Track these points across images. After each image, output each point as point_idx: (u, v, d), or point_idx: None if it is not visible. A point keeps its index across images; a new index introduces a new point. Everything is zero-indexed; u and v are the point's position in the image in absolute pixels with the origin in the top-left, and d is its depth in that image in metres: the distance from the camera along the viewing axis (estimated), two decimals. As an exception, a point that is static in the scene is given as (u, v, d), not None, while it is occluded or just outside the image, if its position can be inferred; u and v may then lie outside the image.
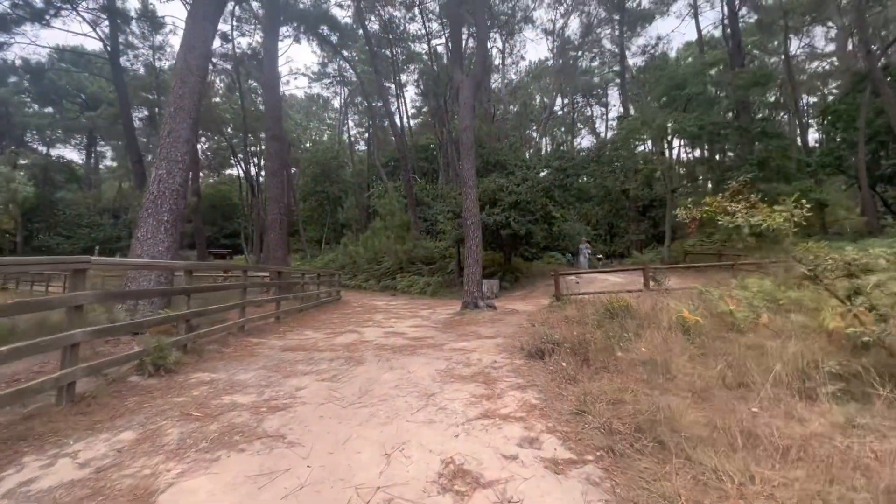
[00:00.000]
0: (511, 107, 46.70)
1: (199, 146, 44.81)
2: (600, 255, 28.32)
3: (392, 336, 7.43)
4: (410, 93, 49.69)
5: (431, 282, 19.83)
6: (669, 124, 15.96)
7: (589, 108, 50.35)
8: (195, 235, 27.10)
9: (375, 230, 24.14)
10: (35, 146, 47.55)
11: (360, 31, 28.53)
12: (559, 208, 19.80)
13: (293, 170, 50.10)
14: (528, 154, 22.98)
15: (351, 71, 38.35)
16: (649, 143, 21.25)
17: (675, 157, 20.06)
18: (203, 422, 3.45)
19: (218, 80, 40.20)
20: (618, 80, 44.41)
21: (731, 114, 19.22)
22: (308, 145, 46.50)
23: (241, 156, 42.22)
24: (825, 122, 20.29)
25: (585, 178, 23.20)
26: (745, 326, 5.75)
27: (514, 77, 46.91)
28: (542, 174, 18.77)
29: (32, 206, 38.55)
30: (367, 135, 45.73)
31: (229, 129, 40.74)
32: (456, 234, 18.21)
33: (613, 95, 48.50)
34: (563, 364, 4.80)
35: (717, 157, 22.69)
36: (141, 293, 6.11)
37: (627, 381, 4.10)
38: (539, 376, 4.60)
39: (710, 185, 27.20)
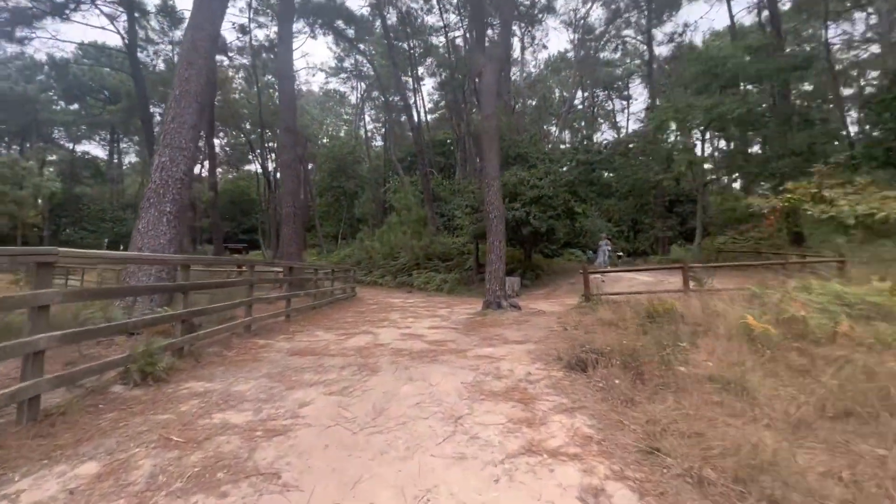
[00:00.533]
0: (530, 101, 45.61)
1: (217, 141, 45.01)
2: (620, 253, 27.20)
3: (409, 339, 6.76)
4: (427, 86, 49.08)
5: (448, 279, 19.15)
6: (707, 111, 14.82)
7: (610, 102, 48.91)
8: (212, 230, 26.94)
9: (391, 225, 23.56)
10: (62, 142, 48.44)
11: (377, 23, 27.93)
12: (581, 203, 18.89)
13: (310, 165, 50.03)
14: (548, 147, 22.04)
15: (367, 65, 37.82)
16: (676, 135, 20.09)
17: (704, 149, 18.81)
18: (184, 450, 2.82)
19: (237, 77, 40.17)
20: (641, 71, 43.03)
21: (768, 102, 17.95)
22: (325, 140, 46.20)
23: (258, 151, 42.17)
24: (869, 112, 18.80)
25: (610, 174, 22.15)
26: (821, 336, 4.90)
27: (532, 70, 45.83)
28: (564, 168, 17.87)
29: (59, 201, 39.18)
30: (383, 130, 45.20)
31: (247, 125, 40.69)
32: (474, 229, 17.46)
33: (636, 89, 47.02)
34: (615, 380, 4.04)
35: (750, 149, 21.32)
36: (126, 290, 5.55)
37: (698, 405, 3.33)
38: (586, 395, 3.86)
39: (738, 181, 25.76)
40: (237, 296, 6.79)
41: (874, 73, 30.95)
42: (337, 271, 14.16)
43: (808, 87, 23.07)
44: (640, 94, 54.74)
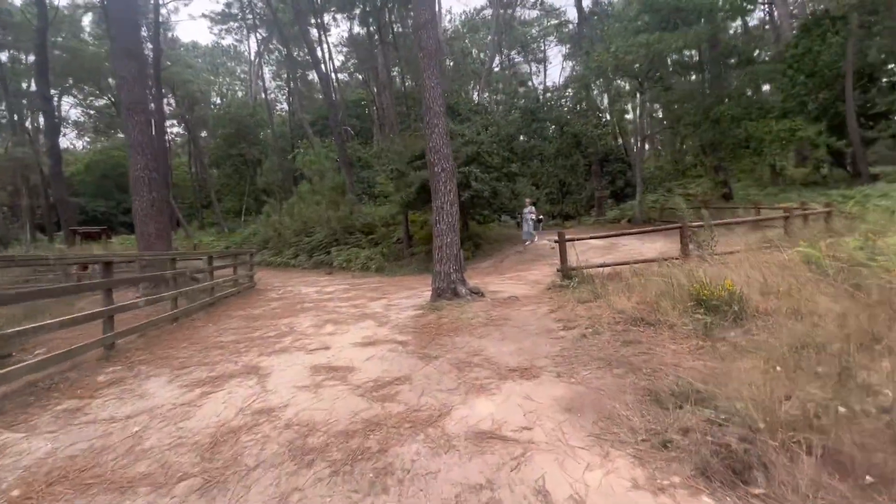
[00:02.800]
0: (448, 61, 42.06)
1: (71, 101, 35.71)
2: (542, 217, 25.66)
3: (325, 387, 3.61)
4: (334, 36, 43.11)
5: (375, 255, 15.88)
6: (648, 46, 12.93)
7: (527, 66, 46.98)
8: (59, 210, 20.47)
9: (302, 195, 19.41)
10: None
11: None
12: (518, 163, 16.47)
13: (203, 133, 42.18)
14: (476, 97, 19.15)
15: (263, 10, 31.40)
16: (613, 84, 18.30)
17: (643, 102, 17.22)
18: None
19: (85, 18, 31.40)
20: (558, 34, 41.35)
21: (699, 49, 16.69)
22: (218, 101, 38.83)
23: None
24: (785, 66, 18.38)
25: (551, 125, 19.84)
26: None
27: (448, 26, 42.05)
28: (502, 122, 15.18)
29: None
30: (287, 89, 38.90)
31: (110, 80, 32.34)
32: (402, 196, 14.28)
33: (552, 51, 45.56)
34: None
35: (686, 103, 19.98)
36: None
37: None
38: None
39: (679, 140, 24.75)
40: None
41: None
42: (223, 257, 10.27)
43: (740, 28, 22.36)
44: (555, 57, 53.42)
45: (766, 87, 19.40)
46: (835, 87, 17.83)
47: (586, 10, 23.18)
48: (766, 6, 27.40)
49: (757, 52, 15.09)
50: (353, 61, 43.31)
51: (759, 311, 4.14)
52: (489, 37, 40.35)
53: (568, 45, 41.99)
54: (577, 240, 7.46)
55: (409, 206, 15.03)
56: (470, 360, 3.95)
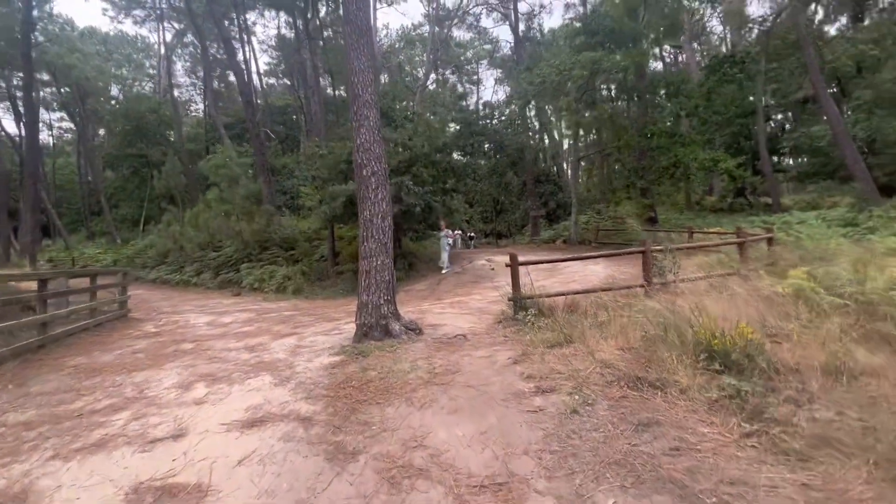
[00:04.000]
0: (383, 76, 40.72)
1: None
2: (472, 235, 24.98)
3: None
4: (263, 35, 39.94)
5: (293, 274, 13.73)
6: (593, 63, 12.71)
7: (461, 86, 47.18)
8: None
9: (209, 203, 16.60)
10: None
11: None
12: (454, 179, 15.38)
13: (101, 132, 36.38)
14: (412, 107, 17.91)
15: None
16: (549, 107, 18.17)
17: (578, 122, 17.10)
18: None
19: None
20: (490, 58, 41.99)
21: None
22: (119, 94, 33.71)
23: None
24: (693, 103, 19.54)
25: (483, 140, 19.12)
26: None
27: (385, 40, 40.91)
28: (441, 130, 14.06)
29: None
30: (203, 87, 34.92)
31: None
32: (327, 209, 12.45)
33: (485, 76, 46.28)
34: None
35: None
36: None
37: None
38: None
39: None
40: None
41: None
42: (79, 277, 7.73)
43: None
44: (488, 80, 55.42)
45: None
46: (737, 124, 19.28)
47: (521, 33, 23.26)
48: (675, 51, 29.82)
49: (682, 84, 15.61)
50: (282, 67, 40.43)
51: (786, 365, 3.15)
52: (424, 54, 39.90)
53: (500, 70, 43.02)
54: (533, 263, 6.29)
55: (336, 220, 13.20)
56: (409, 462, 2.45)
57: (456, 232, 24.97)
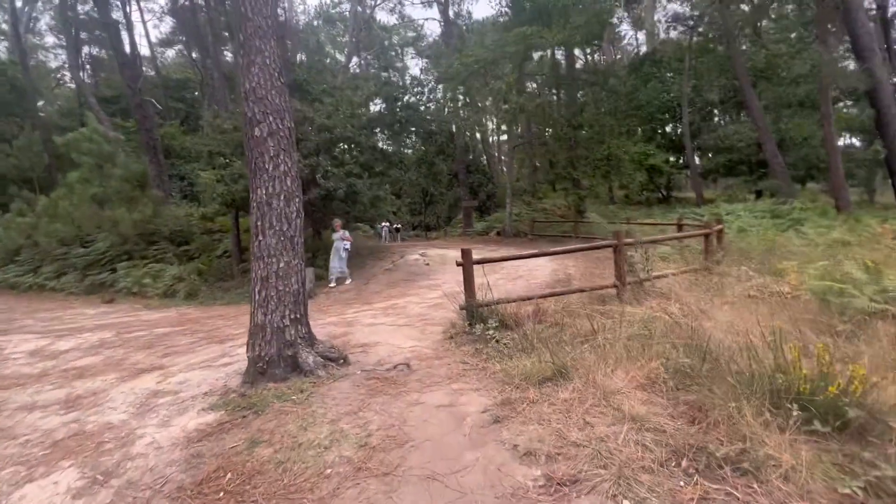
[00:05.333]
0: (300, 55, 36.86)
1: None
2: (399, 226, 23.58)
3: None
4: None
5: (187, 274, 11.09)
6: (525, 38, 11.73)
7: (387, 73, 44.62)
8: None
9: (72, 186, 12.97)
10: None
11: None
12: (384, 163, 13.62)
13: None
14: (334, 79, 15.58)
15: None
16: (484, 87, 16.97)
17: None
18: None
19: None
20: (415, 46, 40.17)
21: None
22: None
23: None
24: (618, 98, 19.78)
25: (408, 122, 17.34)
26: None
27: (302, 17, 37.04)
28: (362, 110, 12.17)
29: None
30: (66, 44, 28.51)
31: None
32: (225, 191, 10.06)
33: (410, 64, 44.21)
34: None
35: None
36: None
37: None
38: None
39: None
40: None
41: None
42: None
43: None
44: (413, 69, 53.24)
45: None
46: (657, 120, 19.86)
47: (451, 16, 21.88)
48: (596, 47, 30.56)
49: (609, 78, 15.39)
50: (182, 38, 34.72)
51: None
52: (346, 36, 36.87)
53: (426, 60, 41.37)
54: (492, 261, 4.93)
55: (239, 206, 10.81)
56: None
57: (383, 224, 23.23)
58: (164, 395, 3.44)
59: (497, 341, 4.01)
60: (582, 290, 5.00)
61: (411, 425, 2.62)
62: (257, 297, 3.48)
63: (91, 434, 2.85)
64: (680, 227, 9.23)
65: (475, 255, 4.78)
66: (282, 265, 3.50)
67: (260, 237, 3.51)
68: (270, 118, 3.57)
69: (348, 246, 9.74)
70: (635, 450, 2.04)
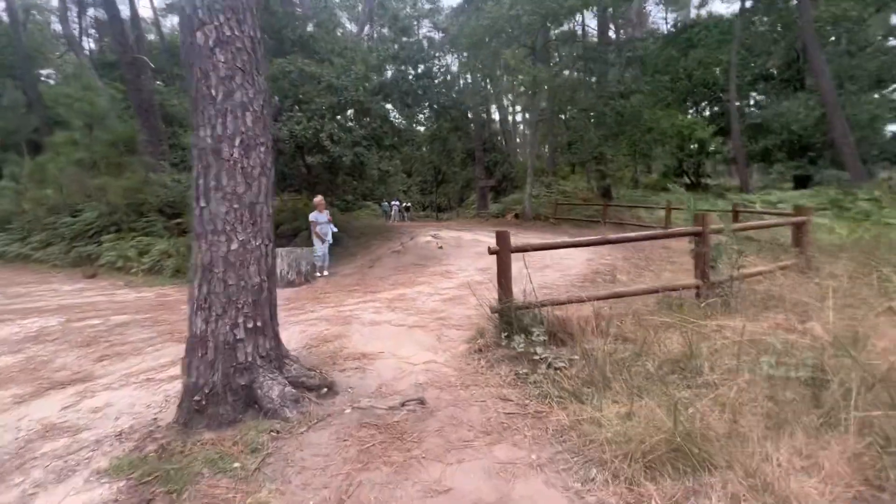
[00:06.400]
0: (310, 24, 34.99)
1: None
2: (408, 205, 22.32)
3: None
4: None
5: (175, 249, 9.97)
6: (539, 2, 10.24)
7: (395, 45, 42.52)
8: None
9: (59, 148, 11.84)
10: None
11: None
12: (393, 135, 12.20)
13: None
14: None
15: None
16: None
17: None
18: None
19: None
20: (431, 17, 37.95)
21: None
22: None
23: None
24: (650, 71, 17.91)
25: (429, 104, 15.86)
26: None
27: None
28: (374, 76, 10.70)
29: None
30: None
31: None
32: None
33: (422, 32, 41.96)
34: None
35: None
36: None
37: None
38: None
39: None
40: None
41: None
42: None
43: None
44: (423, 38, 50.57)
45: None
46: (699, 94, 17.91)
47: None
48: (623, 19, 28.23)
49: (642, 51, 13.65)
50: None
51: None
52: (359, 6, 34.83)
53: (441, 32, 39.10)
54: (535, 249, 3.65)
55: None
56: None
57: (393, 203, 21.93)
58: (58, 436, 2.28)
59: (549, 365, 2.78)
60: (655, 291, 3.70)
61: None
62: (196, 293, 2.26)
63: None
64: (736, 216, 7.82)
65: (515, 242, 3.51)
66: (234, 247, 2.26)
67: (202, 203, 2.26)
68: (221, 17, 2.27)
69: (333, 229, 8.24)
70: None
